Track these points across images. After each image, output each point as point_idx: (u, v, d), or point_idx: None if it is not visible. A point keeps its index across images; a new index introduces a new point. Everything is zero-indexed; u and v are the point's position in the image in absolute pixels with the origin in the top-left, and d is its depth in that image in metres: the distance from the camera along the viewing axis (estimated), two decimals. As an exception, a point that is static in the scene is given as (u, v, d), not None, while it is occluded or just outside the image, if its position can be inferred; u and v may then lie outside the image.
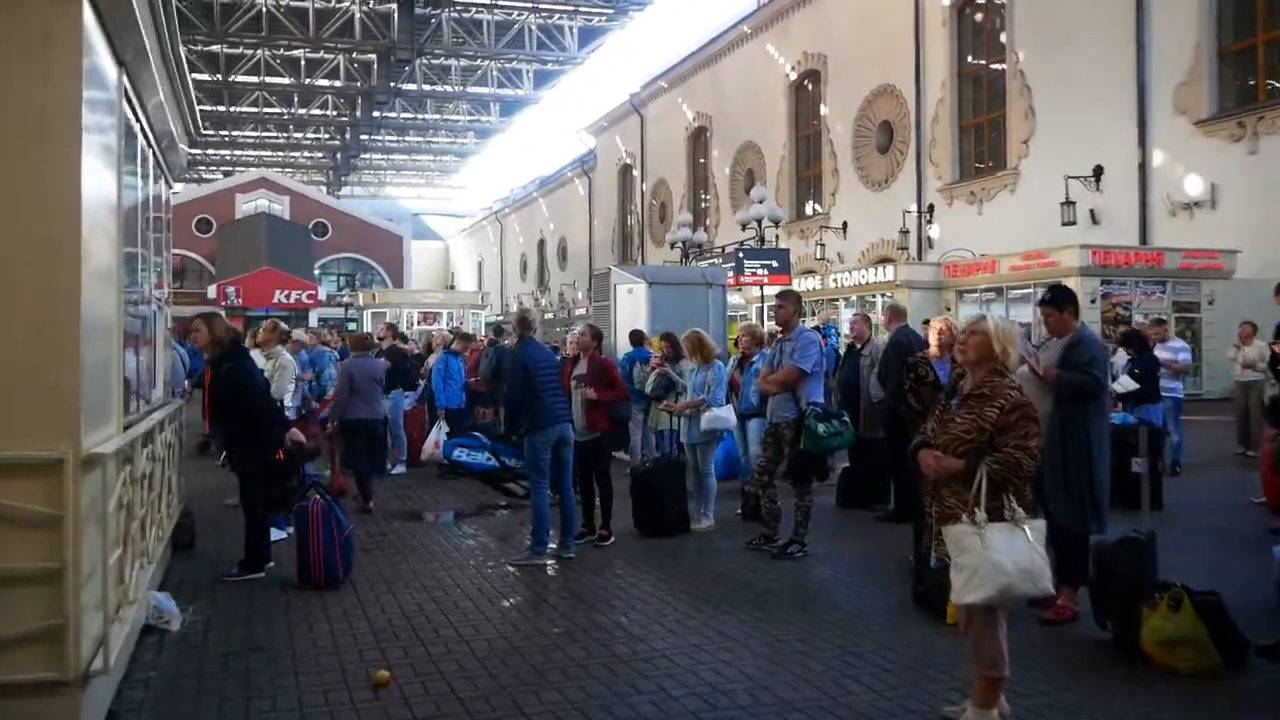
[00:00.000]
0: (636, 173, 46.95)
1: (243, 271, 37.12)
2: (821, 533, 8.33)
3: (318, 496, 7.09)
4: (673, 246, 30.51)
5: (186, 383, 12.24)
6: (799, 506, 7.82)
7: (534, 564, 7.70)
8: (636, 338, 12.95)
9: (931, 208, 29.54)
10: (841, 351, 12.51)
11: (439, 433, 12.44)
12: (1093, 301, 20.02)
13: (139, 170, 5.68)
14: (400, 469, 12.98)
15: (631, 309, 15.21)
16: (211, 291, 36.12)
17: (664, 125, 44.47)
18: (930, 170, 29.80)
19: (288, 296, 36.67)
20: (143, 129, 5.93)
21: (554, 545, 7.94)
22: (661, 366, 10.57)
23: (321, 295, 36.88)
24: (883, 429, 9.45)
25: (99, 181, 4.20)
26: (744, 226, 23.31)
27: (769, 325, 14.34)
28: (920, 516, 5.44)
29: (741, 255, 20.65)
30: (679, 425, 9.77)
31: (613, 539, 8.50)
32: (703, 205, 40.99)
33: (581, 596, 6.83)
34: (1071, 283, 17.85)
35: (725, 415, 9.14)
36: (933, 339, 7.57)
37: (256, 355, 9.87)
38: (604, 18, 44.34)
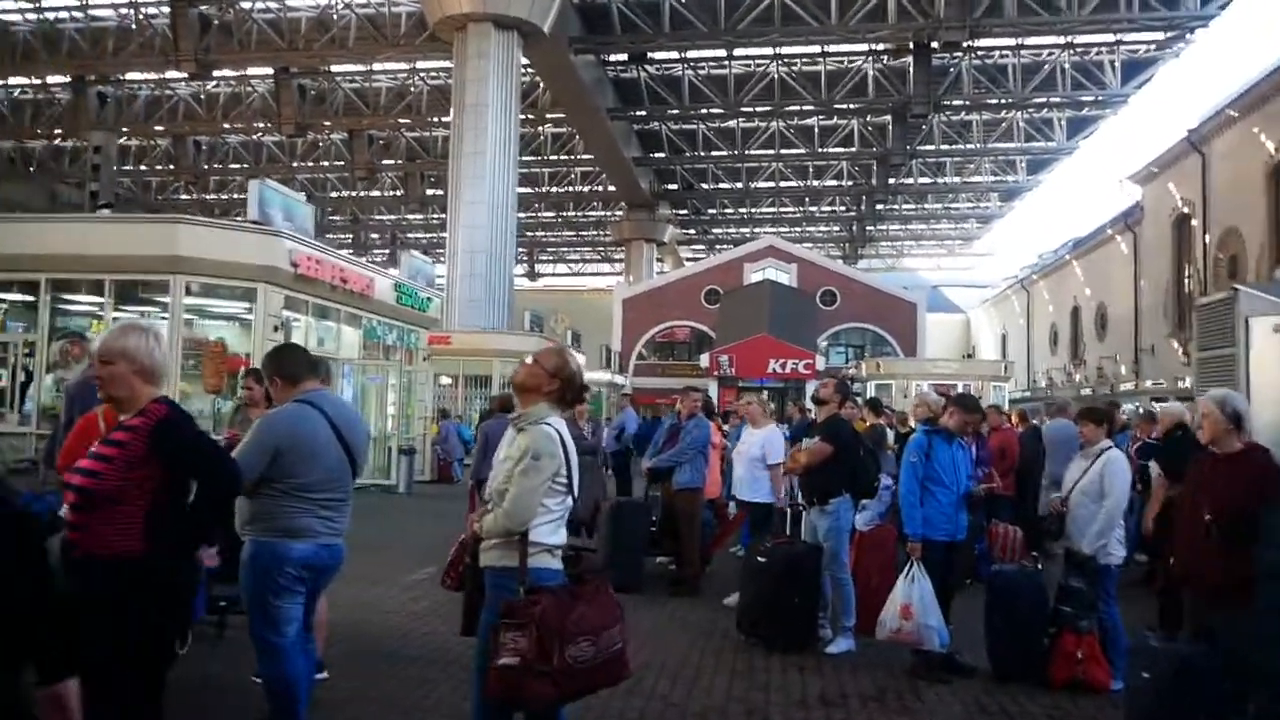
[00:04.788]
0: (1196, 223, 36.57)
1: (741, 340, 33.06)
2: None
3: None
4: None
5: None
6: None
7: None
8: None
9: None
10: None
11: (912, 584, 6.07)
12: None
13: None
14: (844, 644, 6.74)
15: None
16: (704, 360, 32.53)
17: (1234, 162, 34.00)
18: None
19: (783, 366, 31.92)
20: None
21: None
22: None
23: (820, 365, 31.72)
24: None
25: None
26: None
27: None
28: None
29: None
30: None
31: None
32: (1295, 255, 30.24)
33: None
34: None
35: None
36: None
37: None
38: (1152, 46, 35.39)
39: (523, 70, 30.76)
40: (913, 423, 13.05)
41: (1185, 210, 37.94)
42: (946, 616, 6.23)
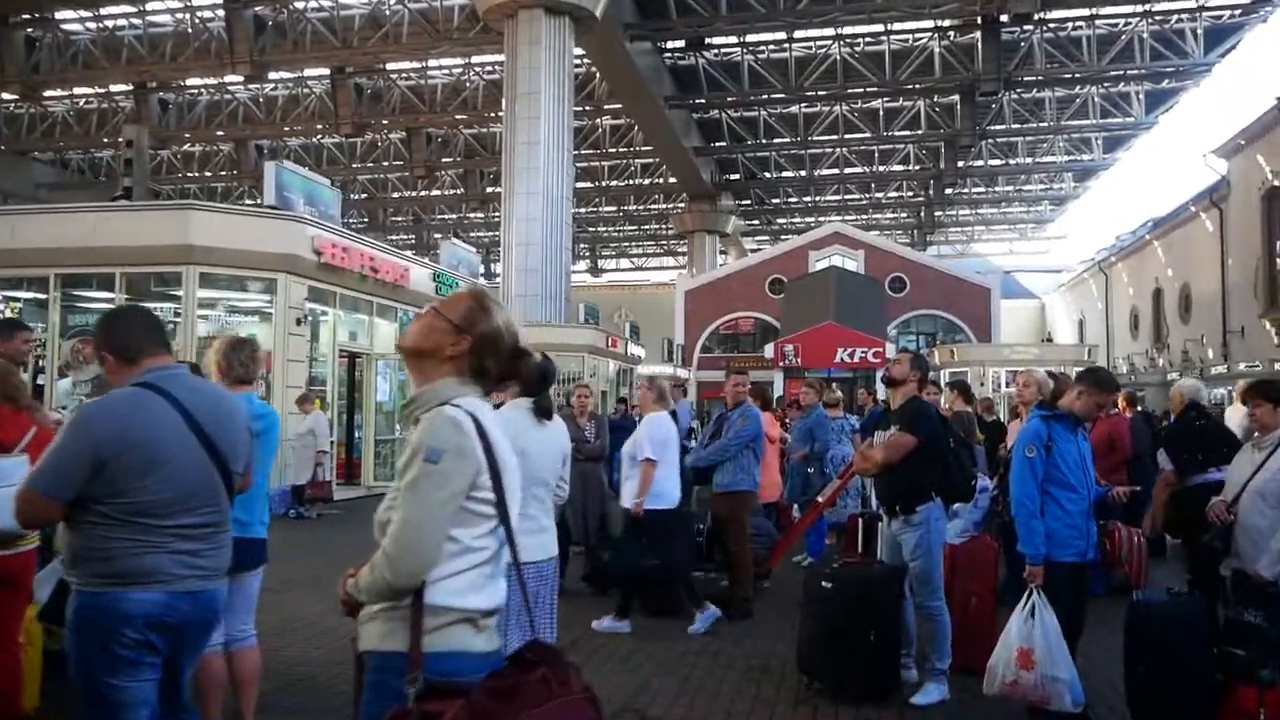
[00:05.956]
0: (1289, 195, 33.91)
1: (807, 329, 31.28)
2: None
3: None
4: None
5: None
6: None
7: None
8: None
9: None
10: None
11: (1033, 622, 4.48)
12: None
13: None
14: (935, 693, 5.15)
15: None
16: (768, 351, 30.80)
17: (1331, 129, 31.33)
18: None
19: (851, 355, 30.07)
20: None
21: None
22: None
23: (890, 353, 29.80)
24: None
25: None
26: None
27: None
28: None
29: None
30: None
31: None
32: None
33: None
34: None
35: None
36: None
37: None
38: (1237, 11, 32.88)
39: (578, 60, 29.51)
40: (1000, 409, 11.27)
41: (1276, 183, 35.31)
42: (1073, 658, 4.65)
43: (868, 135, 40.92)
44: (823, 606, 5.26)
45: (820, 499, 7.93)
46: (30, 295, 13.21)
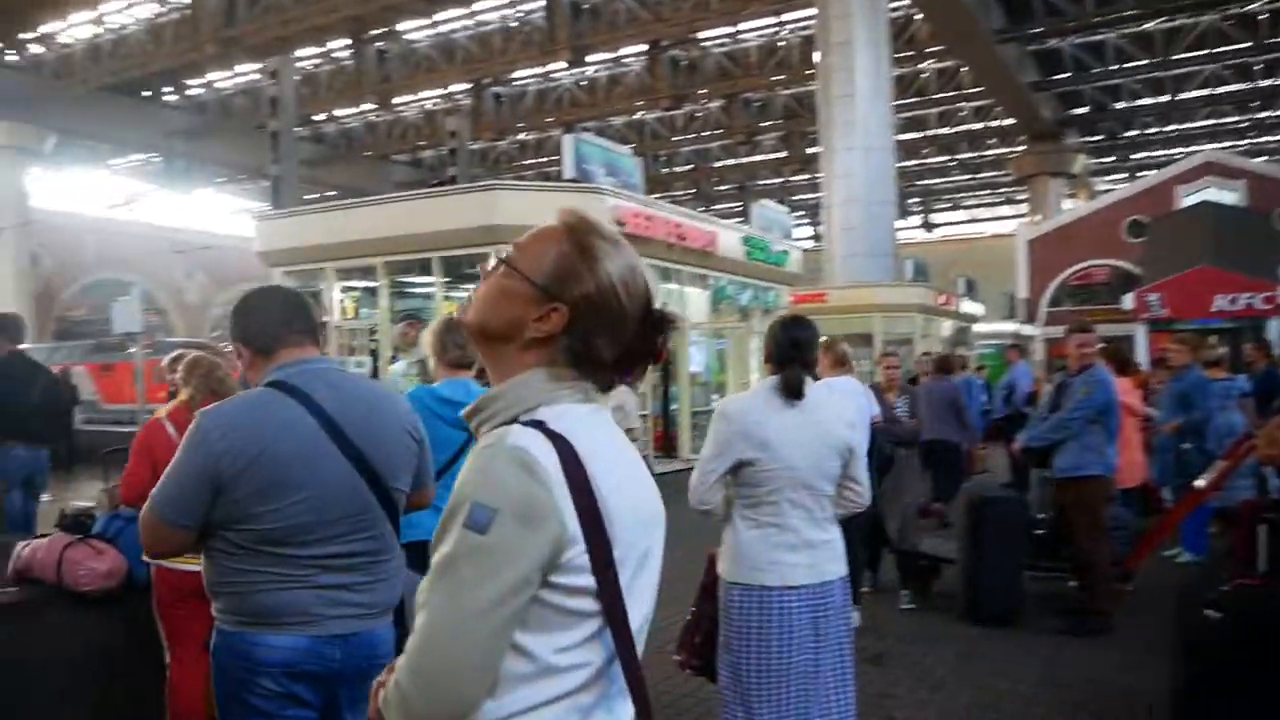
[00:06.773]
0: None
1: (1175, 274, 27.31)
2: None
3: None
4: None
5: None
6: None
7: None
8: None
9: None
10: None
11: None
12: None
13: None
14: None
15: None
16: (1127, 301, 27.12)
17: None
18: None
19: (1233, 302, 25.84)
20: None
21: None
22: None
23: (1285, 297, 25.16)
24: None
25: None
26: None
27: None
28: None
29: None
30: None
31: None
32: None
33: None
34: None
35: None
36: None
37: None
38: None
39: (894, 3, 27.81)
40: None
41: None
42: None
43: (1246, 45, 35.28)
44: (1210, 646, 3.88)
45: (1200, 484, 6.30)
46: (364, 284, 13.95)
